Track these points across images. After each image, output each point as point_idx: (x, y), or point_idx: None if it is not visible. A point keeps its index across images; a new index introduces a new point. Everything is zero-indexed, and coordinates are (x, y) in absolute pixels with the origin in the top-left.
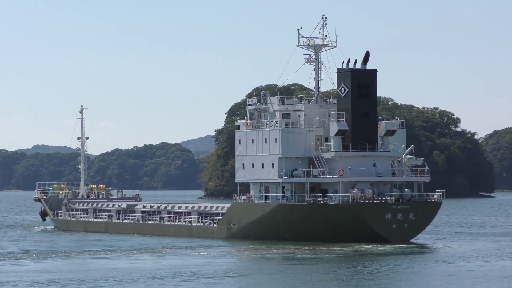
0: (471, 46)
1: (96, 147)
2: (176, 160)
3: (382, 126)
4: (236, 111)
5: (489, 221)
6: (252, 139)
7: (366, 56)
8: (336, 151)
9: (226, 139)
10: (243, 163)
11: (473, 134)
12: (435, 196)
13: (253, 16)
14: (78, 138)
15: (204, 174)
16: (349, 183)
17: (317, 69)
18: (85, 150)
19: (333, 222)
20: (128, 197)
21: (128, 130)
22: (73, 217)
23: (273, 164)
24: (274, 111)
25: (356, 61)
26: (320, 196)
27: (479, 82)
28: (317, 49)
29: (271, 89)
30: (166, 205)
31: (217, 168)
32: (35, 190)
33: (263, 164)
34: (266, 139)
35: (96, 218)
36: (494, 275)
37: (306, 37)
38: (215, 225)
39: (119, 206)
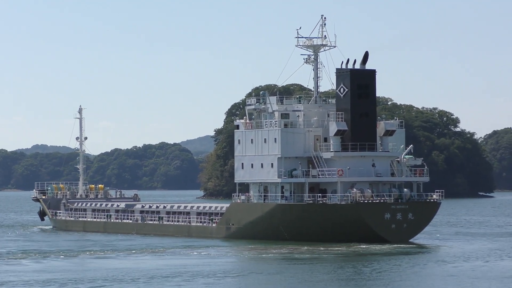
0: (471, 46)
1: (95, 147)
2: (176, 160)
3: (381, 126)
4: (236, 111)
5: (489, 221)
6: (251, 139)
7: (365, 56)
8: (335, 151)
9: (225, 139)
10: (242, 163)
11: (472, 134)
12: (434, 196)
13: (253, 16)
14: (77, 138)
15: (203, 174)
16: (348, 183)
17: (316, 69)
18: (84, 150)
19: (332, 222)
20: (127, 197)
21: (128, 130)
22: (71, 217)
23: (272, 164)
24: (273, 111)
25: (355, 61)
26: (319, 196)
27: (479, 82)
28: (316, 49)
29: (270, 89)
30: (165, 205)
31: (216, 168)
32: (34, 190)
33: (262, 164)
34: (265, 139)
35: (94, 218)
36: (494, 275)
37: (305, 37)
38: (214, 225)
39: (118, 206)
